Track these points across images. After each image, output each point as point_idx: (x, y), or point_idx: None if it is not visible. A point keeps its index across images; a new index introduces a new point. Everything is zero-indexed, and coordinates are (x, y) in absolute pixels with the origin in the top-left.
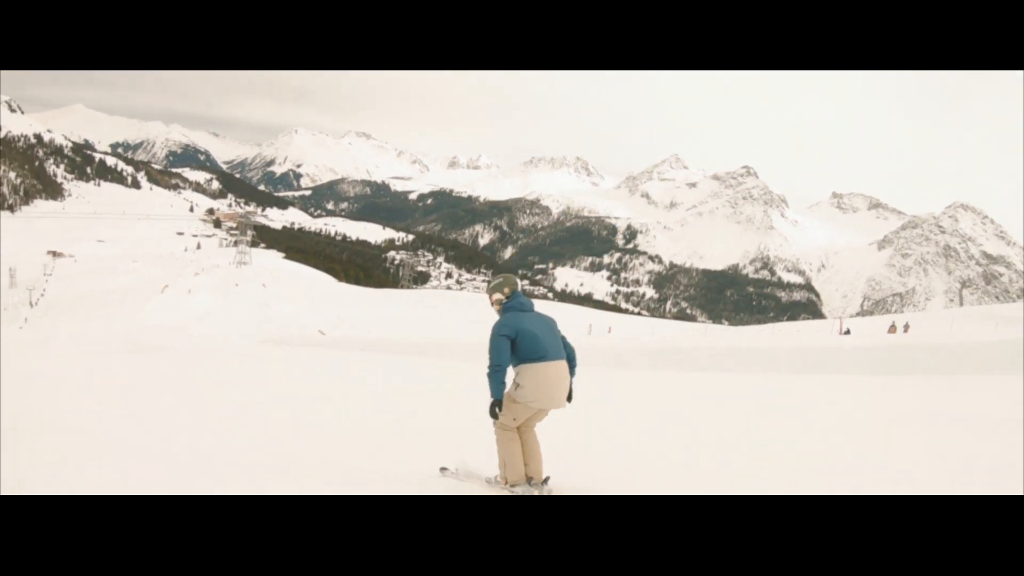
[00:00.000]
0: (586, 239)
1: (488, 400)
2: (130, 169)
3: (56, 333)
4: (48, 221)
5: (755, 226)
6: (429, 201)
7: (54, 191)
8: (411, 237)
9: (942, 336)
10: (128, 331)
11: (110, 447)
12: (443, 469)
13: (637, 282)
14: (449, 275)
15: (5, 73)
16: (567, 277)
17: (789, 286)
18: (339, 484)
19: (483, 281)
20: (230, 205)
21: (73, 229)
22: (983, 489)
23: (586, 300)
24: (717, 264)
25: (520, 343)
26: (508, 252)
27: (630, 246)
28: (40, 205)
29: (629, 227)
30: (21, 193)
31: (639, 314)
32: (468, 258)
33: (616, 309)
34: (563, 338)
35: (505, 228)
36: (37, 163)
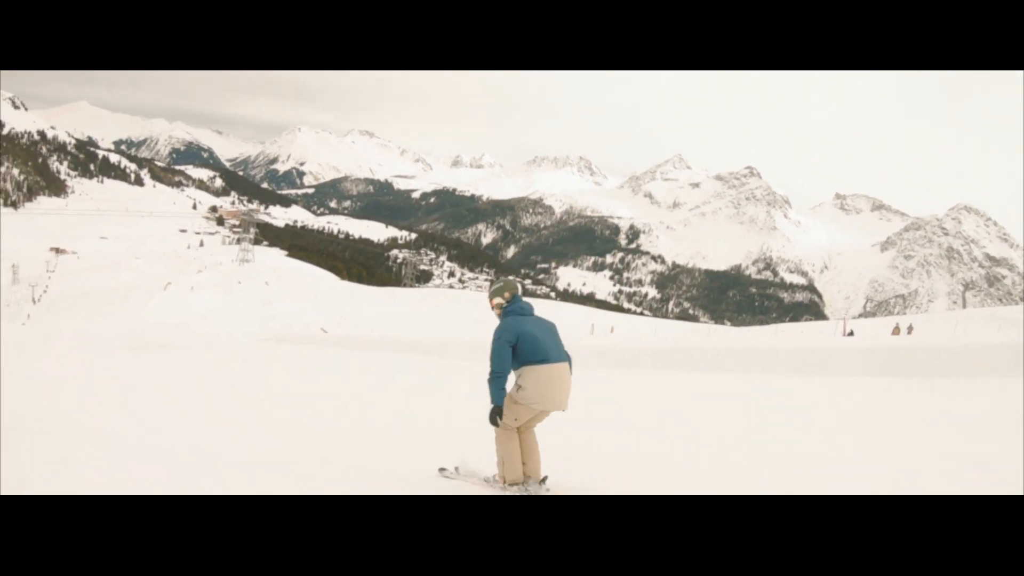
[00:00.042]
0: (589, 239)
1: (489, 406)
2: (133, 166)
3: (59, 330)
4: (51, 218)
5: (758, 227)
6: (432, 200)
7: (57, 188)
8: (414, 236)
9: (946, 338)
10: (131, 328)
11: (111, 447)
12: (442, 469)
13: (640, 282)
14: (452, 274)
15: (9, 71)
16: (570, 277)
17: (792, 287)
18: (338, 484)
19: (485, 280)
20: (233, 203)
21: (76, 226)
22: (984, 491)
23: (588, 300)
24: (720, 264)
25: (521, 346)
26: (511, 251)
27: (633, 246)
28: (43, 202)
29: (632, 227)
30: (24, 190)
31: (641, 314)
32: (471, 257)
33: (618, 309)
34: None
35: (508, 227)
36: (40, 160)
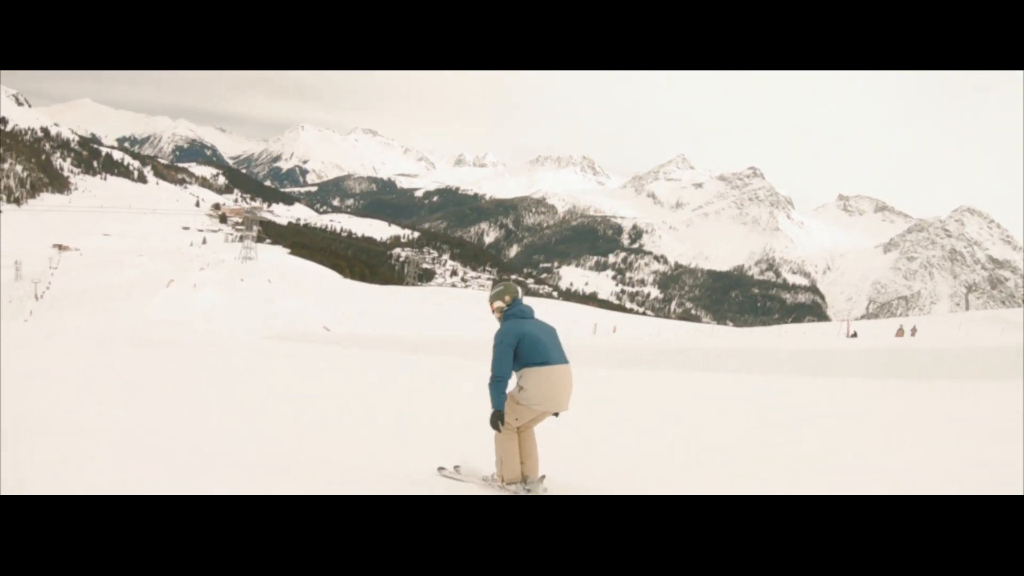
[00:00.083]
0: (591, 238)
1: (489, 409)
2: (136, 163)
3: (61, 327)
4: (54, 214)
5: (761, 227)
6: (435, 198)
7: (60, 184)
8: (417, 234)
9: (950, 340)
10: (133, 325)
11: (112, 446)
12: (440, 468)
13: (642, 282)
14: (454, 273)
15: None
16: (572, 276)
17: (794, 288)
18: (338, 483)
19: (488, 279)
20: (236, 200)
21: (79, 223)
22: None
23: (591, 299)
24: (722, 265)
25: (523, 348)
26: (513, 250)
27: (635, 246)
28: (46, 198)
29: (635, 227)
30: (27, 186)
31: (644, 314)
32: (473, 256)
33: (621, 309)
34: None
35: (511, 226)
36: (44, 156)
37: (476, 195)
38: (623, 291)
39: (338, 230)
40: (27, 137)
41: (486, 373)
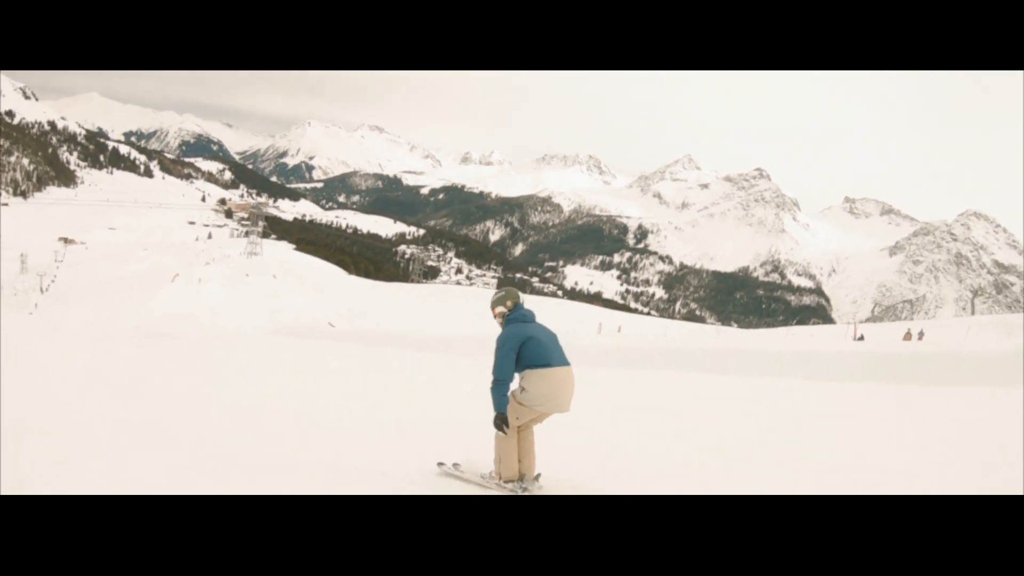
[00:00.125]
0: (597, 238)
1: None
2: (143, 158)
3: (66, 320)
4: (60, 208)
5: (766, 229)
6: (441, 196)
7: (67, 178)
8: (422, 231)
9: (959, 344)
10: (138, 319)
11: (114, 444)
12: (440, 464)
13: (647, 282)
14: (459, 270)
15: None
16: (577, 275)
17: (799, 290)
18: (338, 483)
19: (493, 277)
20: (242, 195)
21: (85, 216)
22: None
23: (596, 299)
24: (727, 266)
25: (525, 350)
26: (519, 249)
27: (641, 246)
28: (53, 192)
29: (640, 227)
30: (34, 179)
31: (648, 314)
32: (478, 254)
33: (625, 308)
34: None
35: (516, 225)
36: (50, 150)
37: (482, 193)
38: (628, 291)
39: (343, 226)
40: (34, 130)
41: (488, 372)
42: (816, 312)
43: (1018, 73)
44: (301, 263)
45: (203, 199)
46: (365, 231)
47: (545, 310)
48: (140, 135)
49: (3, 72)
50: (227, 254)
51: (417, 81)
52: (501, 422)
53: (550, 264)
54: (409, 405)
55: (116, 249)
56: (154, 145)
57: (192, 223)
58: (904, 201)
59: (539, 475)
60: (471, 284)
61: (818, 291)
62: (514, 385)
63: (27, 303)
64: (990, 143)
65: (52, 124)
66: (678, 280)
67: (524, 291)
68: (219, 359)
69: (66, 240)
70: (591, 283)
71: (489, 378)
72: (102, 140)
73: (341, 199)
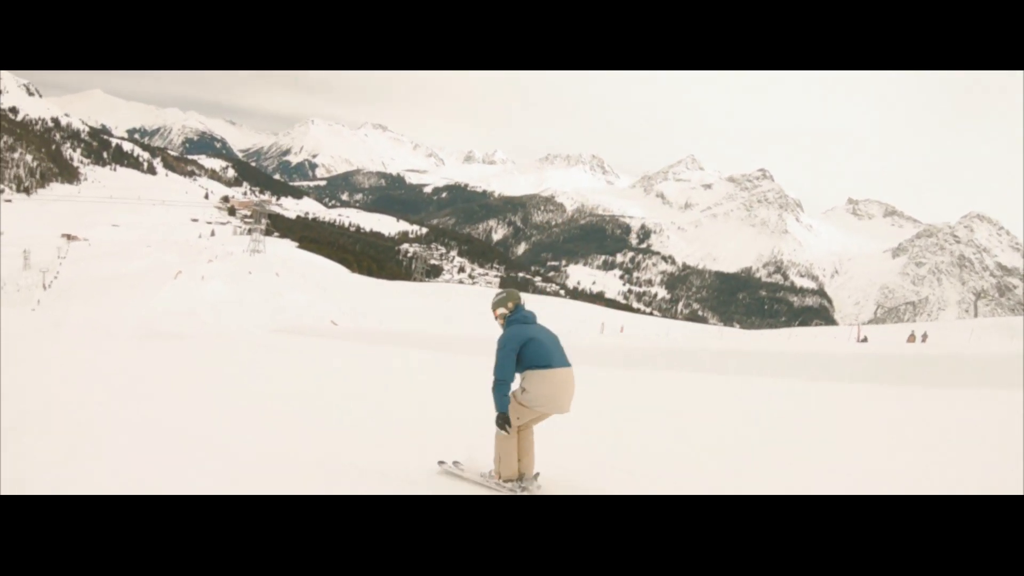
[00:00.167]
0: (600, 237)
1: (494, 411)
2: (146, 155)
3: (68, 317)
4: (63, 204)
5: (769, 229)
6: (444, 195)
7: (70, 175)
8: (425, 230)
9: (962, 346)
10: (141, 316)
11: (115, 443)
12: (441, 462)
13: (649, 282)
14: (462, 269)
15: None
16: (579, 275)
17: (802, 291)
18: (338, 483)
19: (495, 276)
20: (245, 193)
21: (88, 213)
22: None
23: (598, 299)
24: (730, 266)
25: (526, 351)
26: (521, 248)
27: (643, 246)
28: (56, 188)
29: (643, 227)
30: (37, 176)
31: (651, 314)
32: (481, 253)
33: (628, 308)
34: None
35: (519, 224)
36: (54, 147)
37: (485, 192)
38: (630, 291)
39: (346, 225)
40: (38, 127)
41: (490, 372)
42: (818, 313)
43: (1019, 73)
44: (304, 261)
45: (206, 196)
46: (368, 229)
47: (547, 310)
48: (143, 132)
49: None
50: (230, 252)
51: (420, 80)
52: (503, 421)
53: (553, 264)
54: (410, 404)
55: (119, 246)
56: (157, 142)
57: (195, 220)
58: (907, 202)
59: (538, 474)
60: (474, 283)
61: (821, 292)
62: (515, 386)
63: (30, 299)
64: (993, 145)
65: (56, 121)
66: (681, 280)
67: (526, 290)
68: (221, 357)
69: (69, 237)
70: (594, 283)
71: (490, 377)
72: (105, 137)
73: (344, 197)
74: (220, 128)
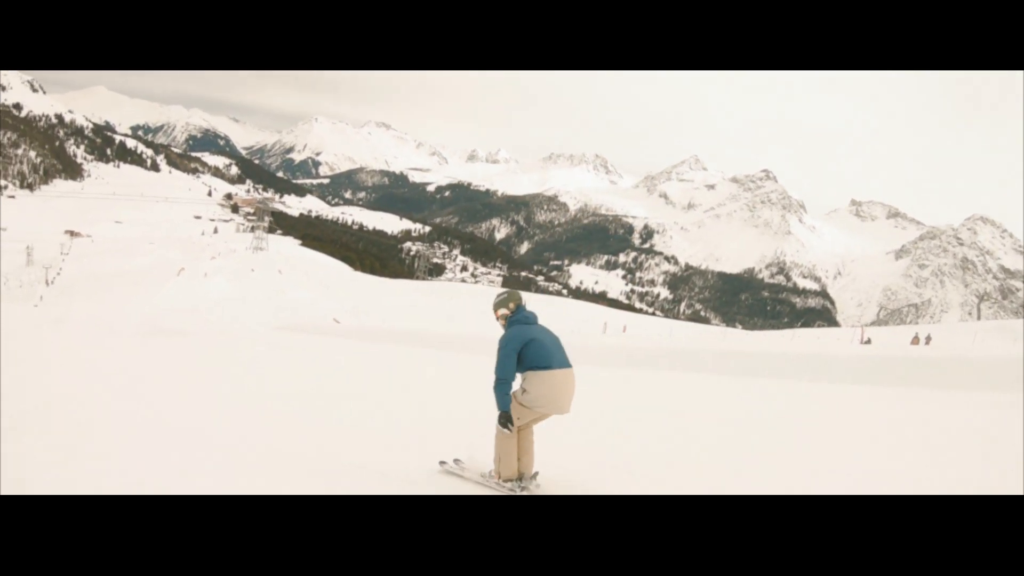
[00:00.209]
0: (602, 237)
1: (495, 411)
2: (150, 152)
3: (71, 313)
4: (67, 201)
5: (772, 230)
6: (447, 193)
7: (74, 171)
8: (428, 229)
9: (965, 349)
10: (144, 313)
11: (117, 443)
12: (442, 463)
13: (652, 282)
14: (464, 268)
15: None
16: (582, 274)
17: (804, 292)
18: (339, 483)
19: (498, 275)
20: (248, 191)
21: (91, 209)
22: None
23: (600, 298)
24: (733, 267)
25: (527, 352)
26: (524, 247)
27: (646, 246)
28: (59, 185)
29: (646, 227)
30: (41, 172)
31: (653, 314)
32: (484, 252)
33: (630, 308)
34: None
35: (522, 223)
36: (57, 143)
37: (488, 191)
38: (633, 291)
39: (349, 223)
40: (41, 123)
41: (491, 371)
42: (821, 315)
43: (1021, 74)
44: (307, 259)
45: (209, 194)
46: (371, 228)
47: (550, 309)
48: (147, 129)
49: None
50: (233, 249)
51: (424, 79)
52: (506, 420)
53: (555, 263)
54: (411, 403)
55: (122, 243)
56: (161, 139)
57: (198, 218)
58: (910, 204)
59: (536, 473)
60: (476, 282)
61: (823, 294)
62: (515, 386)
63: (32, 296)
64: (997, 147)
65: (59, 117)
66: (683, 281)
67: (529, 290)
68: (223, 355)
69: (72, 233)
70: (596, 282)
71: (492, 376)
72: (109, 134)
73: (347, 195)
74: (224, 125)
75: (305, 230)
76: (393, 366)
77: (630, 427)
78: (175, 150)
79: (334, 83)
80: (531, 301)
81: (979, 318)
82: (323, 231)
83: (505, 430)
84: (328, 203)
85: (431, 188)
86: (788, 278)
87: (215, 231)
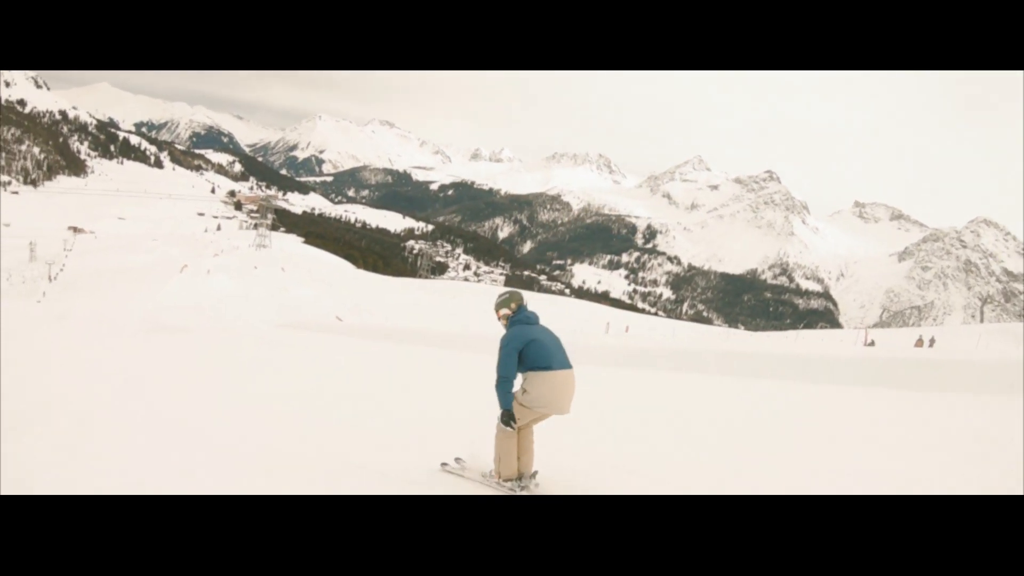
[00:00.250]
0: (605, 237)
1: (497, 410)
2: (153, 148)
3: (73, 310)
4: (70, 197)
5: (775, 231)
6: (450, 192)
7: (77, 168)
8: (431, 227)
9: (969, 351)
10: (147, 310)
11: (114, 445)
12: (443, 464)
13: (655, 282)
14: (467, 267)
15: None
16: (585, 274)
17: (807, 293)
18: (339, 483)
19: (501, 274)
20: (251, 188)
21: (95, 206)
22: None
23: (603, 298)
24: (736, 268)
25: (528, 352)
26: (527, 246)
27: (649, 246)
28: (63, 181)
29: (649, 227)
30: (44, 168)
31: (655, 314)
32: (487, 251)
33: (633, 308)
34: None
35: (525, 222)
36: (61, 139)
37: (491, 190)
38: (635, 291)
39: (352, 221)
40: (45, 120)
41: (493, 370)
42: (824, 316)
43: (1021, 74)
44: (310, 256)
45: (213, 191)
46: (374, 226)
47: (552, 308)
48: (151, 126)
49: None
50: (236, 246)
51: (428, 78)
52: (508, 418)
53: (558, 262)
54: (413, 403)
55: (125, 239)
56: (165, 136)
57: (201, 215)
58: (914, 206)
59: (536, 472)
60: (479, 281)
61: (826, 295)
62: (516, 386)
63: (35, 291)
64: (1001, 149)
65: (63, 113)
66: (686, 281)
67: (531, 289)
68: (226, 353)
69: (75, 229)
70: (599, 282)
71: (494, 375)
72: (113, 130)
73: (350, 193)
74: (227, 123)
75: (308, 228)
76: (394, 365)
77: (631, 427)
78: (179, 147)
79: (338, 81)
80: (533, 300)
81: (982, 321)
82: (326, 229)
83: (508, 428)
84: (331, 201)
85: (434, 187)
86: (791, 279)
87: (218, 228)
